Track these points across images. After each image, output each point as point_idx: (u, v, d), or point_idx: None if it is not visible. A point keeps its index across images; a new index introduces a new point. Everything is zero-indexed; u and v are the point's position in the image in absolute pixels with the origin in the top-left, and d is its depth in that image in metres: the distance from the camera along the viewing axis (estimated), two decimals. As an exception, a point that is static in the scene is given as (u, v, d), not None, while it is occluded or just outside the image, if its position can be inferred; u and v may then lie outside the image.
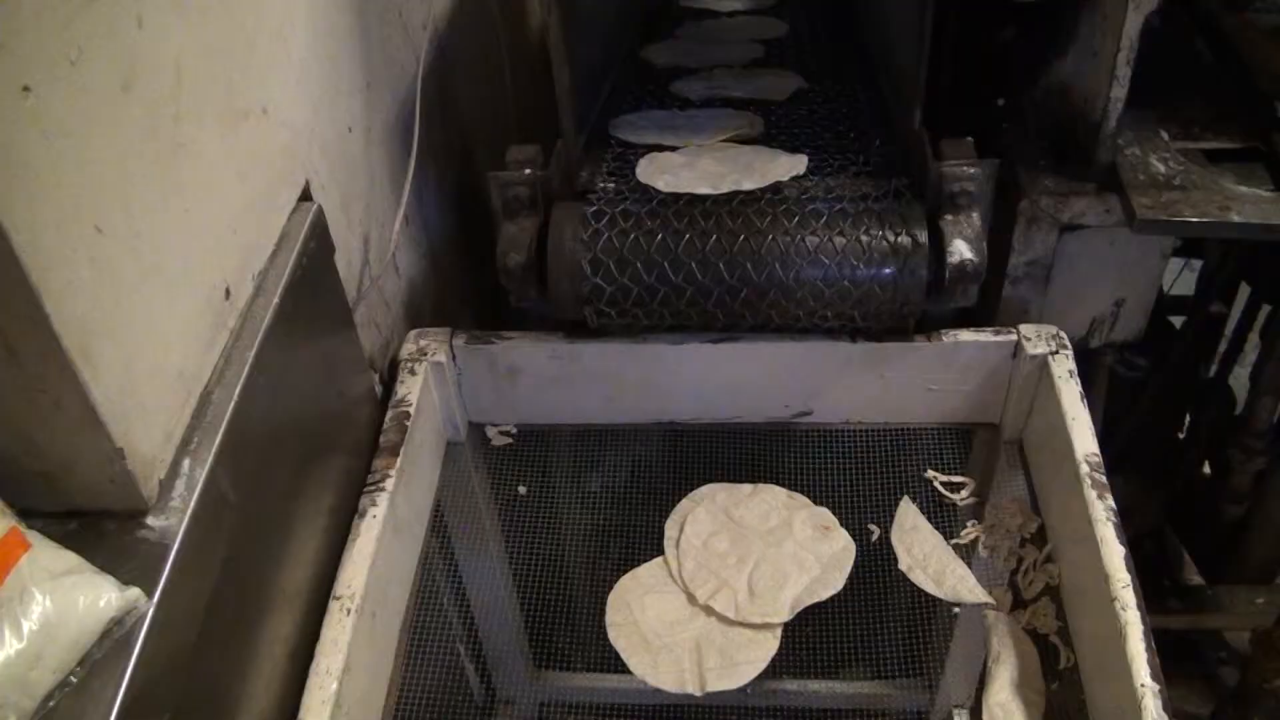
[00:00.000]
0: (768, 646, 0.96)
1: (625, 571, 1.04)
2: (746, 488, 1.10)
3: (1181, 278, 1.74)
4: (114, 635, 0.63)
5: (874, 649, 0.97)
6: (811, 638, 0.98)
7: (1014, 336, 1.07)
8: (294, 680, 0.83)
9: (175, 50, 0.70)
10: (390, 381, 1.08)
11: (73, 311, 0.60)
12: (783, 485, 1.10)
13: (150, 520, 0.68)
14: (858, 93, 1.32)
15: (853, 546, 1.04)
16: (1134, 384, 1.49)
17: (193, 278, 0.74)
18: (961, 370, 1.09)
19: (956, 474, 1.10)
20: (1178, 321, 1.57)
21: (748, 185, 1.04)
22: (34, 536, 0.64)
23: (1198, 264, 1.56)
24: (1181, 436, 1.69)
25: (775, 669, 0.96)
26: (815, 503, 1.08)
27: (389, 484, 0.97)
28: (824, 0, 1.62)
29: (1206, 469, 1.66)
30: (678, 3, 1.66)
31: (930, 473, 1.10)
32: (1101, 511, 0.92)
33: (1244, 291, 1.55)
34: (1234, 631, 1.68)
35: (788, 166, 1.08)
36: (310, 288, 0.88)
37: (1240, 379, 1.56)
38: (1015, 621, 0.98)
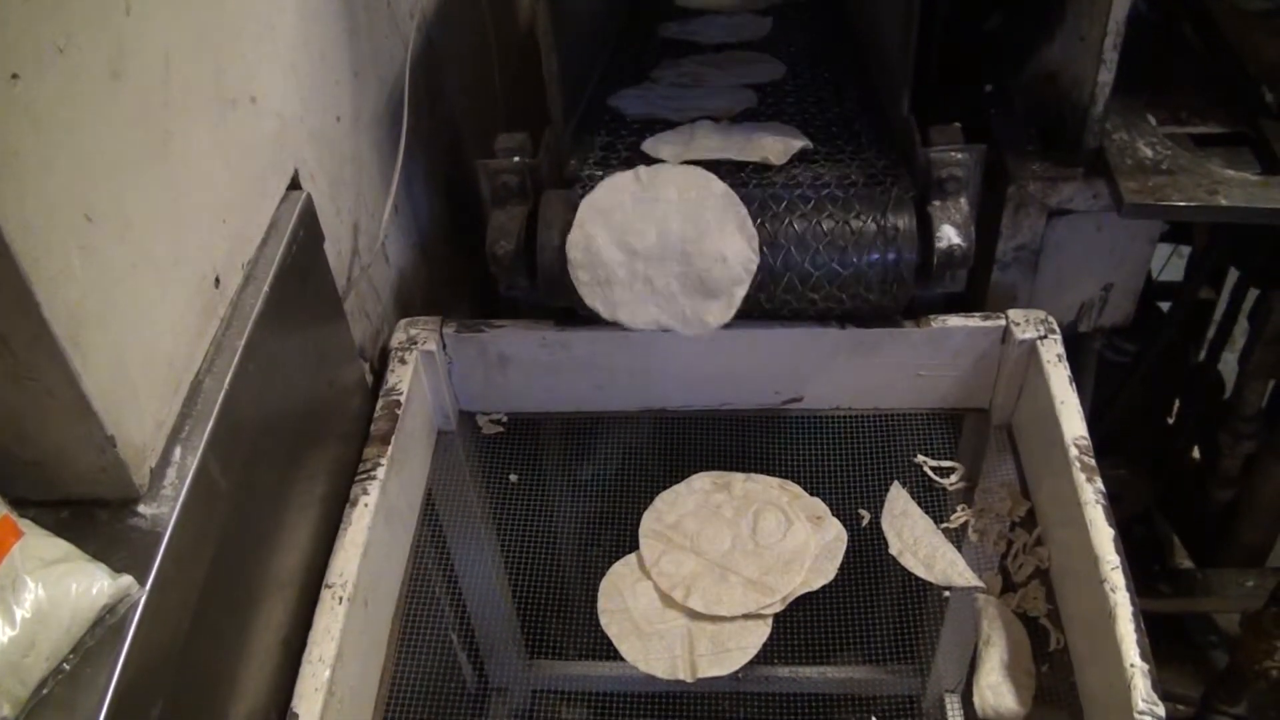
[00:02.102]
0: (759, 633, 0.96)
1: (617, 559, 1.04)
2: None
3: (1170, 264, 1.75)
4: (107, 623, 0.64)
5: (865, 633, 0.98)
6: (803, 623, 0.98)
7: (1003, 322, 1.07)
8: (286, 668, 0.84)
9: (164, 38, 0.70)
10: (381, 370, 1.08)
11: (63, 300, 0.60)
12: (773, 471, 1.11)
13: (142, 508, 0.69)
14: (877, 151, 1.14)
15: (844, 536, 1.04)
16: (1123, 369, 1.49)
17: (183, 266, 0.74)
18: (951, 355, 1.10)
19: (946, 459, 1.11)
20: (1167, 308, 1.57)
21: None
22: (26, 525, 0.64)
23: (1186, 250, 1.57)
24: (1171, 421, 1.69)
25: (767, 655, 0.96)
26: (805, 486, 1.09)
27: (380, 473, 0.97)
28: (820, 27, 1.46)
29: (1196, 453, 1.67)
30: (656, 34, 1.47)
31: (920, 458, 1.11)
32: (1090, 494, 0.92)
33: (1232, 276, 1.55)
34: (1224, 614, 1.69)
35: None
36: (300, 276, 0.88)
37: (1229, 363, 1.57)
38: (1005, 605, 0.98)
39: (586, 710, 1.03)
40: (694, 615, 0.97)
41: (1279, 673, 1.41)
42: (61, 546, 0.64)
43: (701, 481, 1.10)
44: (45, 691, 0.61)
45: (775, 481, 1.10)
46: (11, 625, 0.59)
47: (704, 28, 1.47)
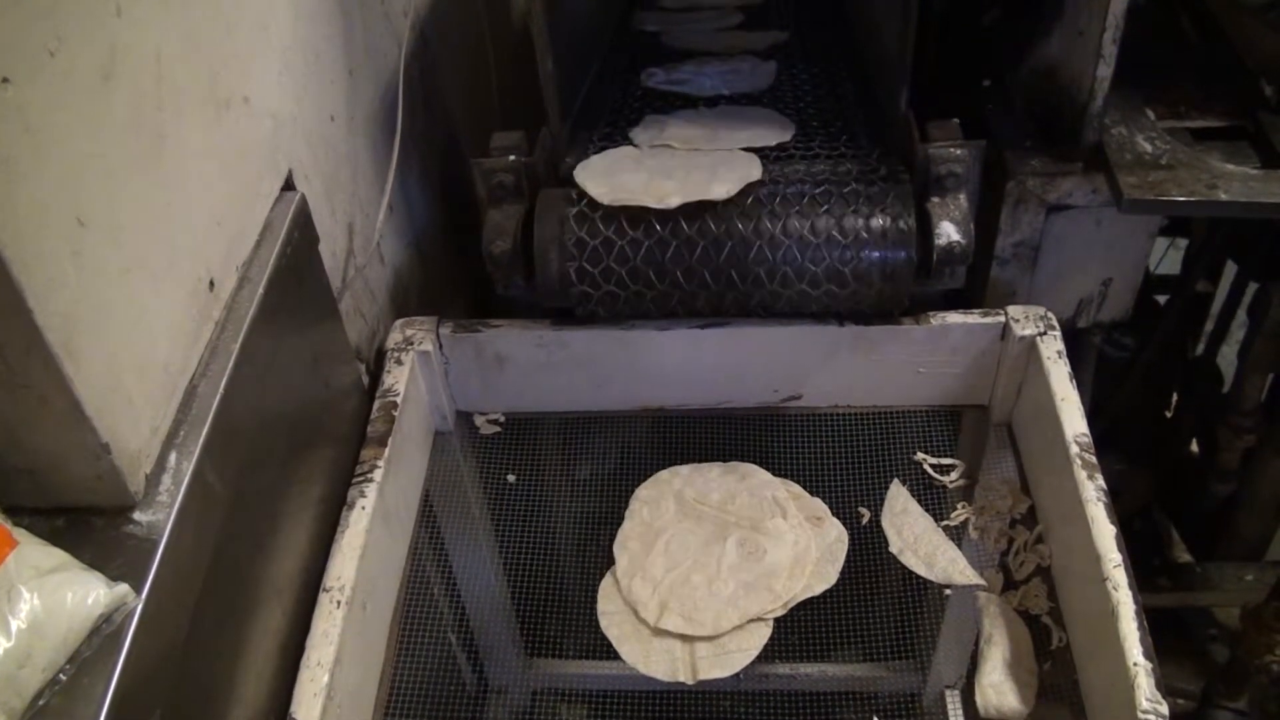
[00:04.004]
0: (760, 635, 0.96)
1: (616, 559, 1.04)
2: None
3: (1167, 257, 1.74)
4: (103, 632, 0.63)
5: (866, 632, 0.97)
6: (803, 622, 0.98)
7: (1002, 318, 1.07)
8: (285, 673, 0.83)
9: (156, 39, 0.70)
10: (377, 371, 1.08)
11: (56, 306, 0.59)
12: (772, 470, 1.10)
13: (137, 515, 0.68)
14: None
15: (845, 538, 1.03)
16: (1121, 364, 1.49)
17: (176, 270, 0.73)
18: (950, 352, 1.09)
19: (946, 456, 1.10)
20: (1164, 301, 1.57)
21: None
22: (20, 534, 0.64)
23: (1183, 242, 1.57)
24: (1169, 415, 1.69)
25: (768, 654, 0.96)
26: (804, 485, 1.08)
27: (377, 475, 0.96)
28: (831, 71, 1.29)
29: (1194, 447, 1.67)
30: (637, 82, 1.28)
31: (920, 455, 1.10)
32: (1092, 491, 0.92)
33: (1230, 269, 1.55)
34: (1223, 608, 1.68)
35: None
36: (295, 278, 0.88)
37: (1227, 357, 1.56)
38: (1007, 603, 0.98)
39: (586, 709, 1.03)
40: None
41: (1280, 667, 1.41)
42: (57, 555, 0.64)
43: (692, 479, 1.09)
44: (42, 703, 0.60)
45: (776, 481, 1.09)
46: (7, 637, 0.59)
47: (695, 77, 1.28)
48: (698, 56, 1.33)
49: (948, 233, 1.00)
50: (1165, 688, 0.80)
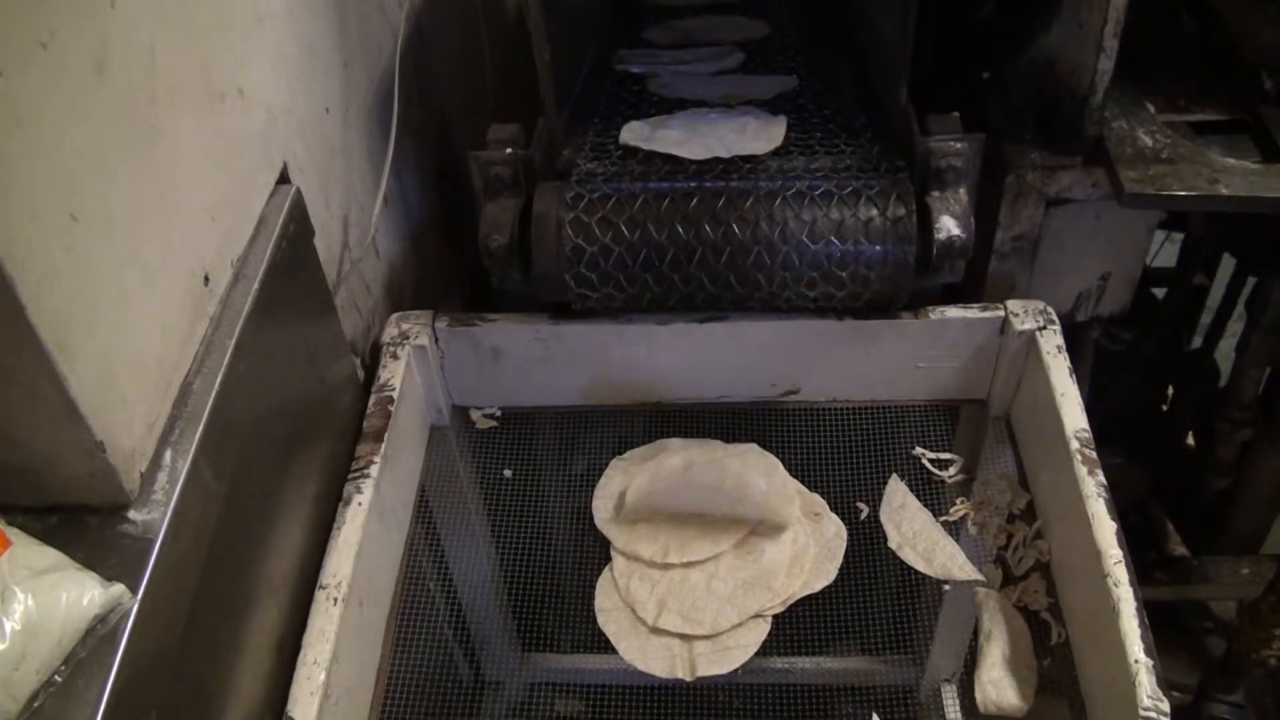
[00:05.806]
0: (759, 631, 0.96)
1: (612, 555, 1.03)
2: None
3: (1163, 250, 1.74)
4: (98, 633, 0.62)
5: (865, 628, 0.97)
6: (802, 618, 0.98)
7: (1001, 312, 1.06)
8: (282, 671, 0.83)
9: (149, 31, 0.69)
10: (372, 366, 1.07)
11: (49, 302, 0.58)
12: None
13: (132, 514, 0.67)
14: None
15: (844, 534, 1.03)
16: (1119, 357, 1.48)
17: (171, 265, 0.72)
18: (949, 347, 1.09)
19: (945, 451, 1.10)
20: (1161, 294, 1.56)
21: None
22: (14, 533, 0.63)
23: (1178, 235, 1.56)
24: (1166, 409, 1.69)
25: (765, 648, 0.95)
26: (802, 479, 1.08)
27: (373, 470, 0.96)
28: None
29: (1191, 441, 1.67)
30: (616, 142, 1.12)
31: (918, 450, 1.10)
32: (1092, 487, 0.91)
33: (1226, 263, 1.55)
34: (1219, 601, 1.68)
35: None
36: (290, 272, 0.87)
37: (1224, 350, 1.56)
38: (1006, 598, 0.97)
39: (582, 703, 1.02)
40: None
41: (1276, 661, 1.41)
42: (51, 555, 0.63)
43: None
44: (36, 705, 0.60)
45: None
46: (1, 639, 0.58)
47: (689, 137, 1.09)
48: (689, 106, 1.18)
49: (948, 227, 0.99)
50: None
